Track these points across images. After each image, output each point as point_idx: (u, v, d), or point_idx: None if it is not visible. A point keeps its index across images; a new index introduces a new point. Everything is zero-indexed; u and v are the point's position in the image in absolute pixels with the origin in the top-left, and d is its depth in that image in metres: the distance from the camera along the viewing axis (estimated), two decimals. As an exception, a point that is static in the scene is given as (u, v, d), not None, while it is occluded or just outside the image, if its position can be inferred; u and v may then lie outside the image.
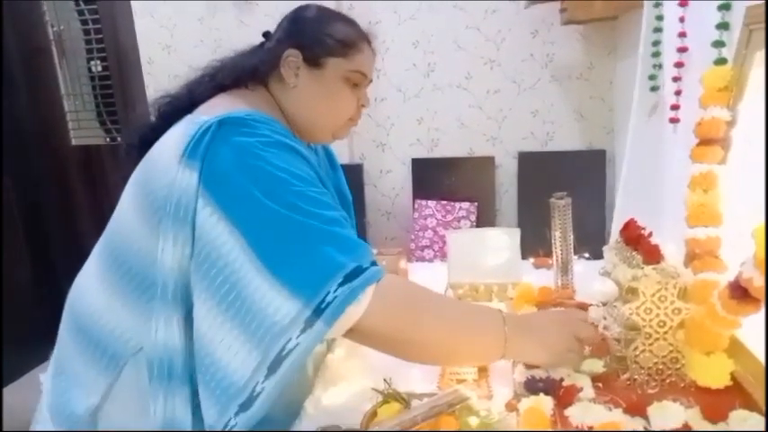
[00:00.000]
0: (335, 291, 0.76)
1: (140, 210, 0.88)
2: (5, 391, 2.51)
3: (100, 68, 3.08)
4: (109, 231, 0.95)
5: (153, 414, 0.83)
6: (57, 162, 3.09)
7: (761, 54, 0.95)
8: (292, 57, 0.96)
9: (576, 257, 1.41)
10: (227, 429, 0.77)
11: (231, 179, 0.81)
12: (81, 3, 3.02)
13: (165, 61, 2.83)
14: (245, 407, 0.76)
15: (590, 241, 1.56)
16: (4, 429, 1.65)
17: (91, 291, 0.95)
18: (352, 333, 0.82)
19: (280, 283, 0.76)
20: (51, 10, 3.03)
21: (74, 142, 3.16)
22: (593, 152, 2.58)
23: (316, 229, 0.79)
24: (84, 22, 3.03)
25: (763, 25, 0.93)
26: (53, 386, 0.97)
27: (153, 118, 1.00)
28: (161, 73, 2.85)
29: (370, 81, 1.03)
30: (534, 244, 1.58)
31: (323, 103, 0.98)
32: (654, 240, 0.96)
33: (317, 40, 0.96)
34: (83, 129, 3.17)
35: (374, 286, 0.79)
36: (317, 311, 0.75)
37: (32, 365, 2.70)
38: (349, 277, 0.77)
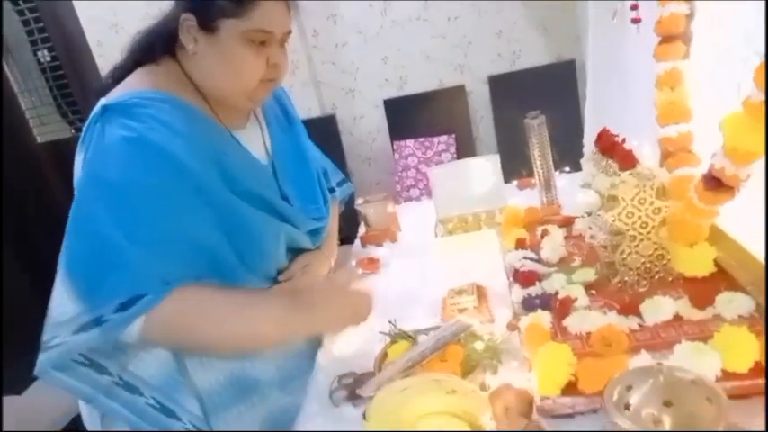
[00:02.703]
0: (111, 314, 0.82)
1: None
2: (21, 398, 2.56)
3: (49, 58, 2.97)
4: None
5: None
6: (28, 164, 3.02)
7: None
8: (188, 21, 0.91)
9: (557, 173, 1.43)
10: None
11: (85, 170, 0.87)
12: (15, -5, 2.87)
13: (114, 41, 2.72)
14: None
15: (571, 154, 1.57)
16: (6, 429, 1.71)
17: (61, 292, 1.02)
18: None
19: (70, 282, 0.84)
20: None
21: (40, 140, 3.09)
22: (562, 63, 2.56)
23: (117, 246, 0.83)
24: (21, 13, 2.89)
25: None
26: None
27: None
28: (112, 54, 2.74)
29: (289, 32, 0.96)
30: (517, 166, 1.59)
31: (224, 69, 0.92)
32: (628, 145, 0.98)
33: (207, 1, 0.89)
34: (46, 125, 3.09)
35: (145, 316, 0.83)
36: (97, 321, 0.82)
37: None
38: (125, 305, 0.82)
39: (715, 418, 0.55)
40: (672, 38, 1.00)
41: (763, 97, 0.69)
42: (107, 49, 2.78)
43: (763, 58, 0.67)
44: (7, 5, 2.89)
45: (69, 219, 0.87)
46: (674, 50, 1.00)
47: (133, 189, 0.85)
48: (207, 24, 0.89)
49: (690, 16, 0.99)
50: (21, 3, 2.87)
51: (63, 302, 0.85)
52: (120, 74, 0.97)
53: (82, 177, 0.89)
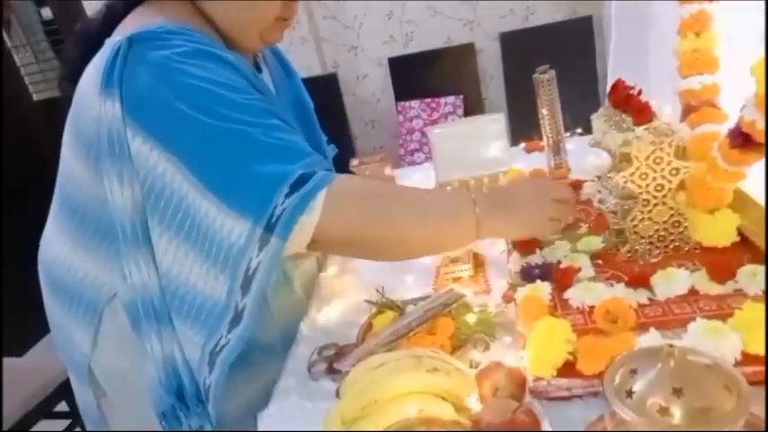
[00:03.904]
0: (283, 203, 0.70)
1: (76, 151, 0.84)
2: (29, 354, 2.57)
3: (51, 15, 2.90)
4: (58, 176, 0.91)
5: (151, 352, 0.82)
6: (22, 122, 2.95)
7: None
8: None
9: (568, 135, 1.33)
10: (219, 347, 0.76)
11: (154, 101, 0.74)
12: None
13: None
14: (235, 322, 0.75)
15: (584, 116, 1.47)
16: (29, 390, 1.71)
17: (55, 242, 0.92)
18: (316, 244, 0.76)
19: (226, 205, 0.72)
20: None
21: (36, 98, 3.02)
22: (578, 20, 2.41)
23: (253, 139, 0.73)
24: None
25: None
26: (55, 342, 0.98)
27: (77, 48, 0.90)
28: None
29: None
30: (527, 129, 1.50)
31: (240, 4, 0.84)
32: (645, 98, 0.87)
33: None
34: (46, 81, 3.01)
35: (326, 190, 0.72)
36: (269, 227, 0.71)
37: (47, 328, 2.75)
38: (296, 186, 0.71)
39: (734, 410, 0.47)
40: (700, -25, 0.88)
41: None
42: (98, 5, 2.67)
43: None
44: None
45: (171, 149, 0.74)
46: (701, -10, 0.88)
47: (225, 87, 0.75)
48: None
49: (722, -49, 0.87)
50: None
51: (232, 228, 0.72)
52: (113, 16, 0.85)
53: (151, 106, 0.75)
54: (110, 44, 0.78)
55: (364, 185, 0.80)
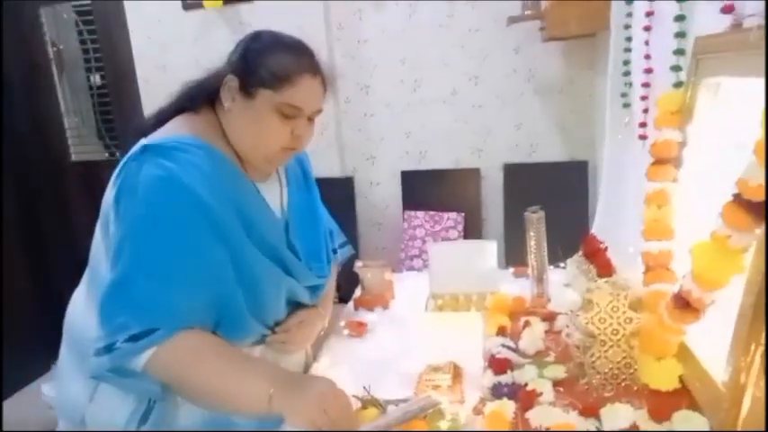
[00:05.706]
0: (122, 342, 0.88)
1: (100, 227, 1.01)
2: (7, 403, 2.57)
3: (99, 82, 3.14)
4: (92, 246, 1.06)
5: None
6: (56, 178, 3.16)
7: (707, 81, 1.03)
8: (231, 82, 1.00)
9: (551, 267, 1.48)
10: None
11: (126, 201, 0.93)
12: (80, 23, 3.11)
13: (160, 79, 2.89)
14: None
15: (573, 250, 1.62)
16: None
17: (79, 304, 1.06)
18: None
19: (97, 306, 0.92)
20: (51, 29, 3.12)
21: (73, 158, 3.24)
22: (575, 163, 2.66)
23: (135, 281, 0.90)
24: (83, 42, 3.11)
25: (708, 56, 1.01)
26: (56, 385, 1.11)
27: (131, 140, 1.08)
28: (156, 93, 2.91)
29: (318, 111, 1.04)
30: (519, 253, 1.63)
31: (250, 131, 1.01)
32: (610, 253, 1.03)
33: (252, 70, 0.99)
34: (84, 144, 3.25)
35: (155, 348, 0.89)
36: (107, 348, 0.89)
37: (34, 377, 2.77)
38: (135, 337, 0.88)
39: None
40: (664, 160, 1.08)
41: (728, 232, 0.75)
42: (153, 86, 2.95)
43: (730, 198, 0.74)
44: (70, 24, 3.11)
45: (110, 249, 0.94)
46: (664, 172, 1.07)
47: (156, 225, 0.92)
48: (246, 89, 0.99)
49: (682, 144, 1.07)
50: (81, 25, 3.09)
51: (91, 321, 0.92)
52: (163, 117, 1.06)
53: (114, 211, 0.95)
54: (137, 144, 0.98)
55: (189, 352, 0.92)
